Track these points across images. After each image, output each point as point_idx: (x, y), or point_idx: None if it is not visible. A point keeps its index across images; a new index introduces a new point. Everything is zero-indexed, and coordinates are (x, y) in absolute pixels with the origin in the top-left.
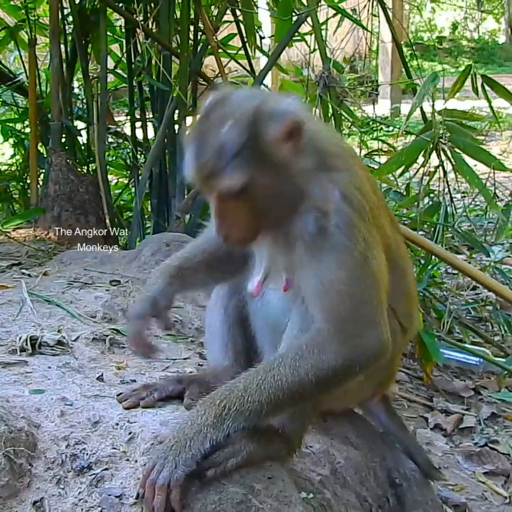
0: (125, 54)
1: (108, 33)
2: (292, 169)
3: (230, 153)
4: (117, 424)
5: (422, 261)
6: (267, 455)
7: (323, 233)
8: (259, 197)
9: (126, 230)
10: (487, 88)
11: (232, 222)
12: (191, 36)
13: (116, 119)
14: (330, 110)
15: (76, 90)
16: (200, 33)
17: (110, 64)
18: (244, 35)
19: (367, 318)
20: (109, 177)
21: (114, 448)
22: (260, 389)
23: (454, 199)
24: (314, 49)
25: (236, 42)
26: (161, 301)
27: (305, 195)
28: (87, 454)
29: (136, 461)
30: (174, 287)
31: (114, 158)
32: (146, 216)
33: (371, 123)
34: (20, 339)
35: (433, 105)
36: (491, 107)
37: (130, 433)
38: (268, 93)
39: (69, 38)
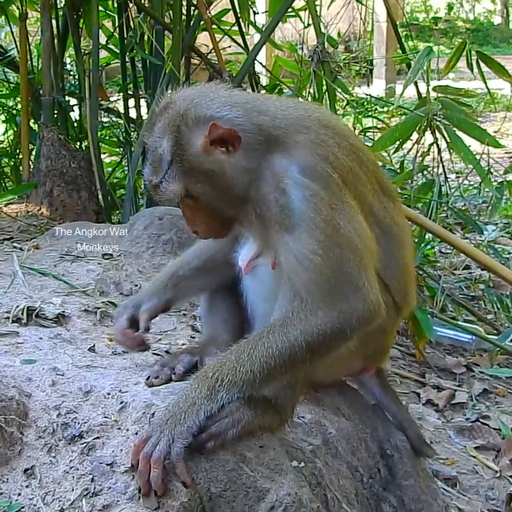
0: (117, 29)
1: (100, 7)
2: (229, 170)
3: (164, 167)
4: (108, 393)
5: (416, 240)
6: (263, 424)
7: (286, 210)
8: (206, 199)
9: (119, 206)
10: (482, 66)
11: (196, 220)
12: (184, 11)
13: (109, 98)
14: (324, 87)
15: (67, 66)
16: (192, 7)
17: (102, 39)
18: (238, 10)
19: (349, 283)
20: (102, 156)
21: (105, 417)
22: (252, 359)
23: (448, 179)
24: (308, 24)
25: (230, 18)
26: (145, 305)
27: (259, 181)
28: (78, 423)
29: (127, 430)
30: (166, 295)
31: (107, 137)
32: (139, 194)
33: (365, 103)
34: (16, 307)
35: (427, 80)
36: (485, 82)
37: (121, 402)
38: (208, 93)
39: (61, 12)
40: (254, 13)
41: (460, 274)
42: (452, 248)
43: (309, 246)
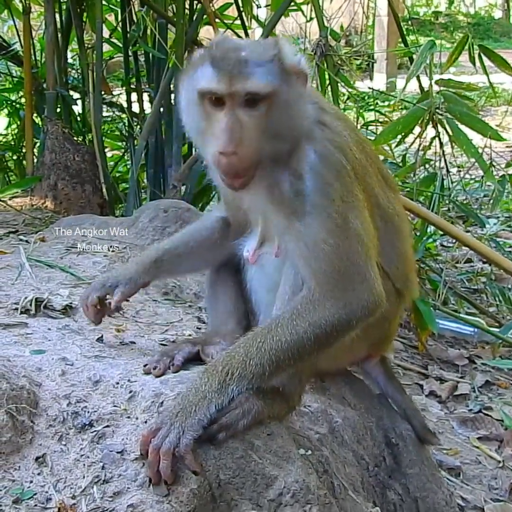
0: (120, 23)
1: (103, 1)
2: (302, 104)
3: (261, 61)
4: (117, 383)
5: (418, 233)
6: (272, 413)
7: (300, 197)
8: (273, 113)
9: (123, 200)
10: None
11: (241, 136)
12: (187, 4)
13: (112, 92)
14: (327, 80)
15: (70, 60)
16: (195, 1)
17: (105, 33)
18: (240, 4)
19: (357, 274)
20: (105, 150)
21: (115, 406)
22: (261, 352)
23: (450, 173)
24: (311, 18)
25: (233, 11)
26: (122, 287)
27: (303, 137)
28: (88, 412)
29: (137, 418)
30: (145, 278)
31: (109, 131)
32: (142, 188)
33: (367, 97)
34: (25, 299)
35: (430, 73)
36: (488, 75)
37: (130, 391)
38: None
39: (64, 6)
40: (257, 6)
41: (462, 267)
42: (453, 241)
43: (321, 234)
